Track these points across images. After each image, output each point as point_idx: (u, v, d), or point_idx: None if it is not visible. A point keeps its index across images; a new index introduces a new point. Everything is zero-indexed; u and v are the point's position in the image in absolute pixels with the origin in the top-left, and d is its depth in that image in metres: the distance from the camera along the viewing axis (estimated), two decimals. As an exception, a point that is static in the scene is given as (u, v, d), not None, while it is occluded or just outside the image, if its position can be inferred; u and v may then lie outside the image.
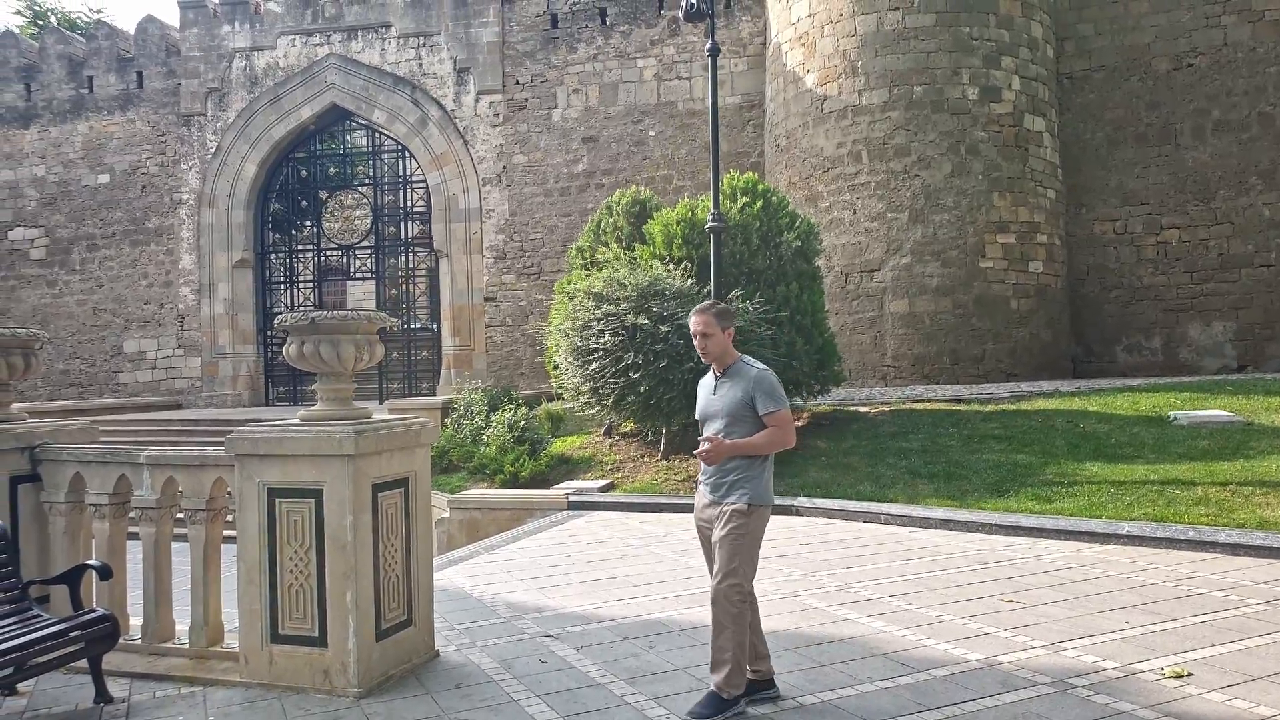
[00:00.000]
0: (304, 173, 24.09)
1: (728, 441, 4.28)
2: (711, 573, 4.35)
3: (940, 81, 16.94)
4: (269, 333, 23.50)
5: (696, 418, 4.59)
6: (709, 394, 4.47)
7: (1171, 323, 18.30)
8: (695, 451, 4.43)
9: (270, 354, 23.62)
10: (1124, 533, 7.84)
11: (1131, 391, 13.60)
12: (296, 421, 4.88)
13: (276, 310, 23.53)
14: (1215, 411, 11.79)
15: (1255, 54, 17.90)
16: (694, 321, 4.41)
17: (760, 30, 20.58)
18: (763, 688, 4.42)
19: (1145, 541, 7.69)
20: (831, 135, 17.63)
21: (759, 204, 12.75)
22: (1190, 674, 4.65)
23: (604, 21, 21.46)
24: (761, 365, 4.41)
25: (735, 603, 4.16)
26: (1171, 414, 11.84)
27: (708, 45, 11.52)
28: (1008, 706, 4.32)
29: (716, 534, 4.27)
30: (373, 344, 4.93)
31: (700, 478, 4.48)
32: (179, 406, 22.87)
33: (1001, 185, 17.01)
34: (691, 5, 11.12)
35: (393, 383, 23.18)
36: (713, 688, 4.22)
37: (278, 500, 4.74)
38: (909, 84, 16.98)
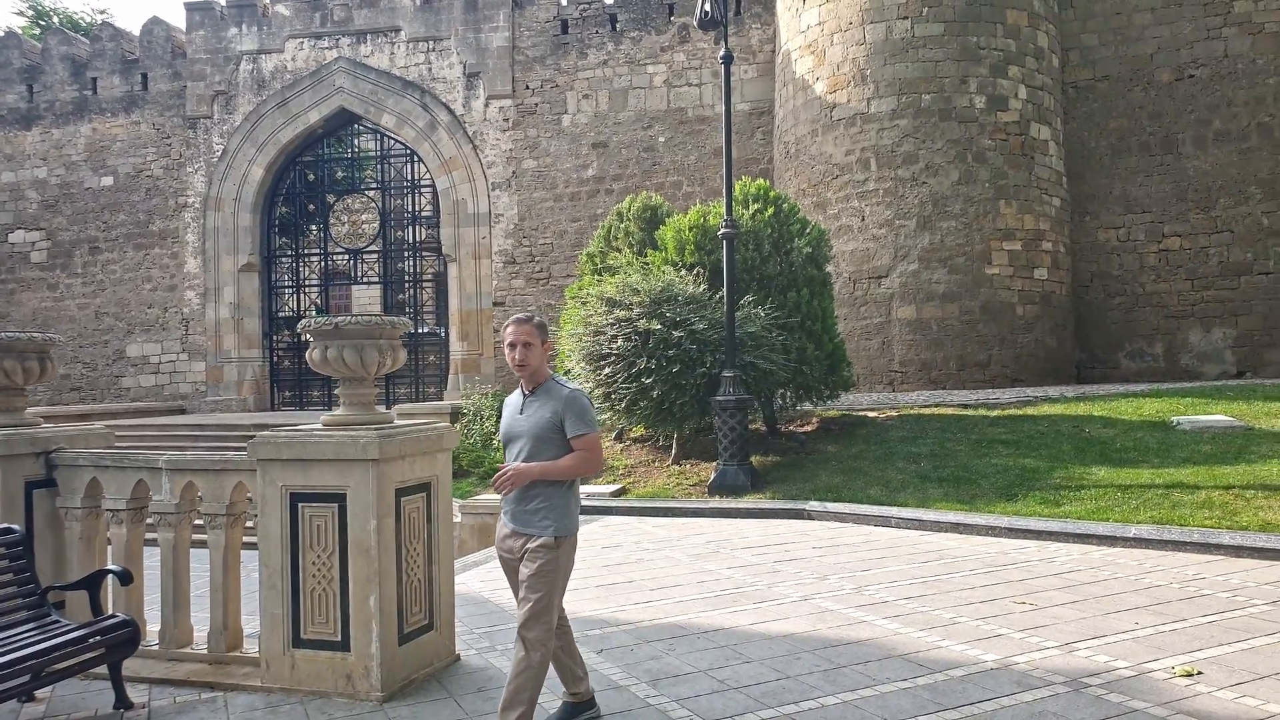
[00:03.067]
0: (311, 176, 24.08)
1: (532, 465, 3.98)
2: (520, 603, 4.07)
3: (948, 90, 17.00)
4: (275, 337, 23.47)
5: (500, 438, 4.29)
6: (514, 413, 4.16)
7: (1173, 329, 18.36)
8: (492, 480, 4.17)
9: (276, 359, 23.55)
10: (1131, 535, 7.92)
11: (1135, 397, 13.66)
12: (319, 426, 4.90)
13: (282, 315, 23.49)
14: (1216, 416, 11.87)
15: (1255, 65, 17.98)
16: (514, 331, 4.07)
17: (770, 38, 20.65)
18: (583, 709, 4.30)
19: (1152, 544, 7.77)
20: (840, 142, 17.69)
21: (770, 211, 12.81)
22: (1200, 673, 4.72)
23: (614, 28, 21.52)
24: (575, 385, 4.13)
25: (544, 644, 3.90)
26: (1174, 419, 11.91)
27: (721, 54, 11.59)
28: (1024, 706, 4.38)
29: (524, 570, 3.97)
30: (395, 349, 4.94)
31: (502, 505, 4.16)
32: (183, 411, 22.81)
33: (1008, 193, 17.07)
34: (706, 13, 11.20)
35: (399, 388, 23.10)
36: None
37: (300, 505, 4.76)
38: (917, 92, 17.04)
